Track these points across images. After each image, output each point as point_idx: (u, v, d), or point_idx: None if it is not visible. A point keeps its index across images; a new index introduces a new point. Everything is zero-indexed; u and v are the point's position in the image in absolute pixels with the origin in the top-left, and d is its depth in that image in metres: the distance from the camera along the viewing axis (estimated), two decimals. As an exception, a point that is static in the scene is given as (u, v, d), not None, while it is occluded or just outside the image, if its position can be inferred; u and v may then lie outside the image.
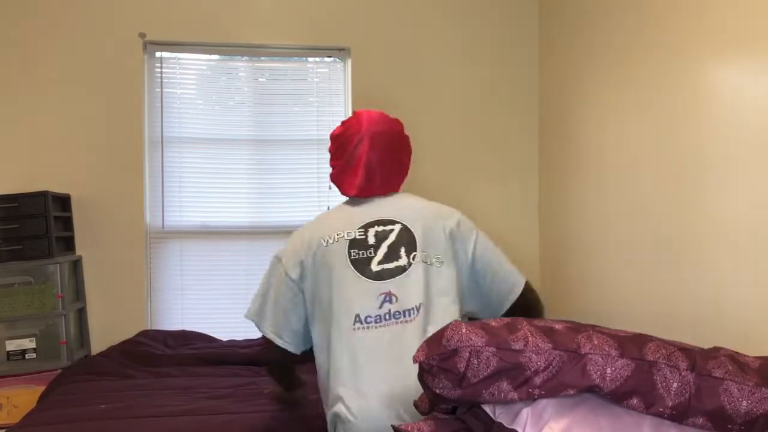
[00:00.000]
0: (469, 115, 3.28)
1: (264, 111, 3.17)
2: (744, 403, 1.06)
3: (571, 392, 1.10)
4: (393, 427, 1.21)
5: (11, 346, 2.61)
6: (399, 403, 1.40)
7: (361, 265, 1.53)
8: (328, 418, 1.51)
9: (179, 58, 3.11)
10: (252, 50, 3.15)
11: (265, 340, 1.64)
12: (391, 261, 1.53)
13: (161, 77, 3.08)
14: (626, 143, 2.43)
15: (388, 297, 1.49)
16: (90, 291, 2.98)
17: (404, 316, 1.48)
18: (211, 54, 3.13)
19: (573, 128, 2.90)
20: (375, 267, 1.52)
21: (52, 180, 2.93)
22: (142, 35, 3.01)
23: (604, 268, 2.62)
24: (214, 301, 3.11)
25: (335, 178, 1.71)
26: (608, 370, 1.09)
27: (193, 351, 2.67)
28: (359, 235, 1.56)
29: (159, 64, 3.08)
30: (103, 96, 2.99)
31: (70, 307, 2.75)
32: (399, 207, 1.63)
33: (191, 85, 3.13)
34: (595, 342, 1.13)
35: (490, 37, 3.29)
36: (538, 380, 1.10)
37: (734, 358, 1.16)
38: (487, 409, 1.18)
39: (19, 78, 2.93)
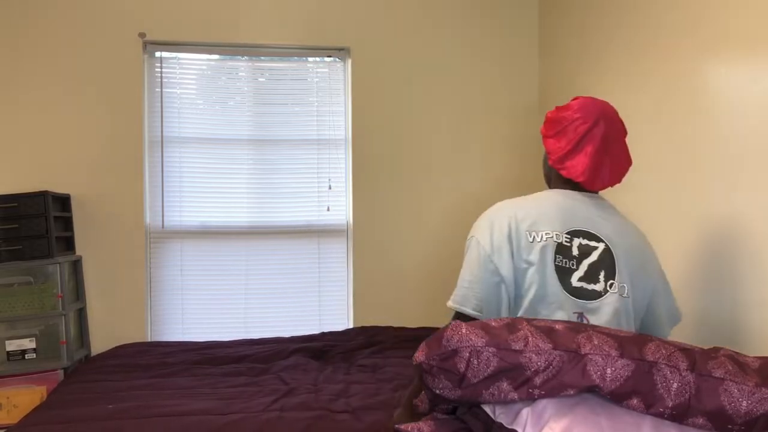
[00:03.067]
0: (469, 115, 3.28)
1: (264, 111, 3.17)
2: (744, 403, 1.06)
3: (571, 392, 1.10)
4: (393, 427, 1.21)
5: (11, 346, 2.61)
6: None
7: (563, 275, 1.42)
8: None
9: (179, 58, 3.11)
10: (252, 50, 3.15)
11: (455, 318, 1.47)
12: (590, 282, 1.42)
13: (161, 77, 3.08)
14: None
15: (581, 318, 1.40)
16: (90, 291, 2.98)
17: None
18: (211, 54, 3.13)
19: (573, 128, 2.90)
20: (575, 282, 1.42)
21: (52, 180, 2.93)
22: (142, 35, 3.01)
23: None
24: (214, 301, 3.11)
25: (557, 162, 1.54)
26: (608, 371, 1.09)
27: (200, 353, 2.67)
28: (566, 241, 1.44)
29: (159, 64, 3.08)
30: (103, 96, 2.99)
31: (70, 307, 2.75)
32: (605, 219, 1.50)
33: (191, 85, 3.13)
34: (595, 342, 1.13)
35: (490, 37, 3.29)
36: (538, 380, 1.10)
37: (734, 358, 1.16)
38: (487, 409, 1.18)
39: (19, 78, 2.93)
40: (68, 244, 2.92)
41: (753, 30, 1.75)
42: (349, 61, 3.19)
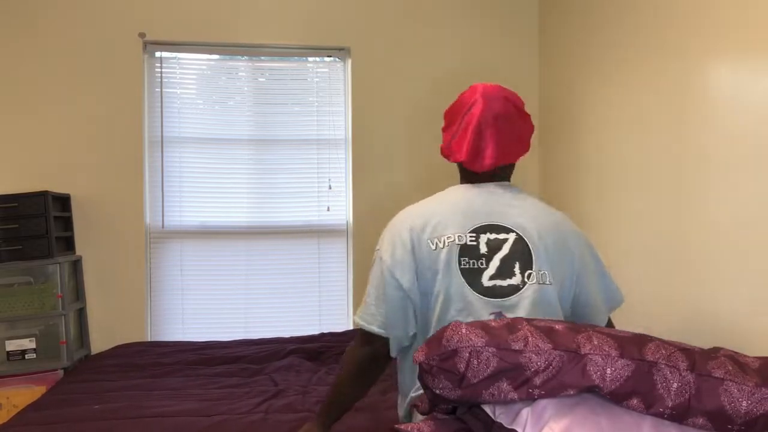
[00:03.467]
0: (469, 115, 3.27)
1: (264, 111, 3.17)
2: (744, 403, 1.06)
3: (571, 392, 1.10)
4: (393, 427, 1.21)
5: (11, 346, 2.61)
6: None
7: (472, 277, 1.35)
8: (406, 408, 1.44)
9: (179, 58, 3.11)
10: (252, 50, 3.15)
11: (361, 336, 1.45)
12: (504, 278, 1.35)
13: (161, 77, 3.09)
14: (626, 144, 2.43)
15: (498, 316, 1.32)
16: (90, 291, 2.98)
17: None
18: (211, 54, 3.13)
19: (573, 129, 2.90)
20: (486, 282, 1.35)
21: (52, 180, 2.93)
22: (142, 35, 3.01)
23: (604, 268, 2.61)
24: (214, 301, 3.11)
25: (446, 149, 1.52)
26: (608, 371, 1.09)
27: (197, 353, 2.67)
28: (470, 240, 1.37)
29: (159, 64, 3.08)
30: (103, 96, 2.99)
31: (70, 307, 2.75)
32: (515, 206, 1.43)
33: (191, 85, 3.13)
34: (595, 342, 1.13)
35: (490, 37, 3.29)
36: (538, 380, 1.10)
37: (734, 358, 1.16)
38: (487, 409, 1.18)
39: (19, 78, 2.93)
40: (68, 244, 2.92)
41: (754, 30, 1.75)
42: (349, 61, 3.19)
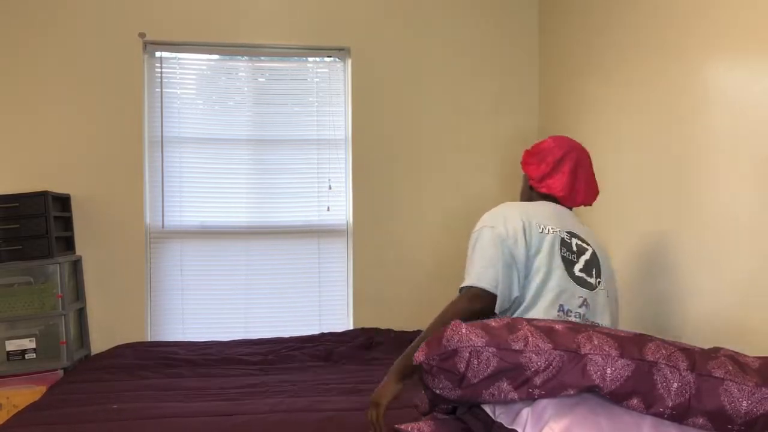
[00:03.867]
0: (470, 115, 3.28)
1: (264, 111, 3.17)
2: (744, 403, 1.06)
3: (571, 392, 1.10)
4: (393, 427, 1.21)
5: (11, 346, 2.61)
6: None
7: (567, 265, 1.58)
8: None
9: (179, 58, 3.11)
10: (252, 50, 3.15)
11: (468, 295, 1.55)
12: (589, 275, 1.60)
13: (161, 77, 3.08)
14: (626, 143, 2.43)
15: (585, 303, 1.56)
16: (90, 291, 2.98)
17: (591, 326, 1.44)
18: (211, 54, 3.13)
19: (572, 128, 2.90)
20: (577, 272, 1.58)
21: (52, 180, 2.93)
22: (142, 35, 3.01)
23: (604, 268, 2.61)
24: (214, 301, 3.11)
25: (537, 181, 1.76)
26: (608, 371, 1.09)
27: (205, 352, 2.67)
28: (566, 237, 1.61)
29: (159, 64, 3.08)
30: (103, 96, 2.99)
31: (70, 307, 2.75)
32: (585, 231, 1.70)
33: (191, 85, 3.13)
34: (595, 342, 1.13)
35: (490, 37, 3.29)
36: (538, 380, 1.10)
37: (734, 358, 1.16)
38: (487, 409, 1.18)
39: (19, 78, 2.93)
40: (68, 244, 2.92)
41: (753, 30, 1.75)
42: (349, 61, 3.19)
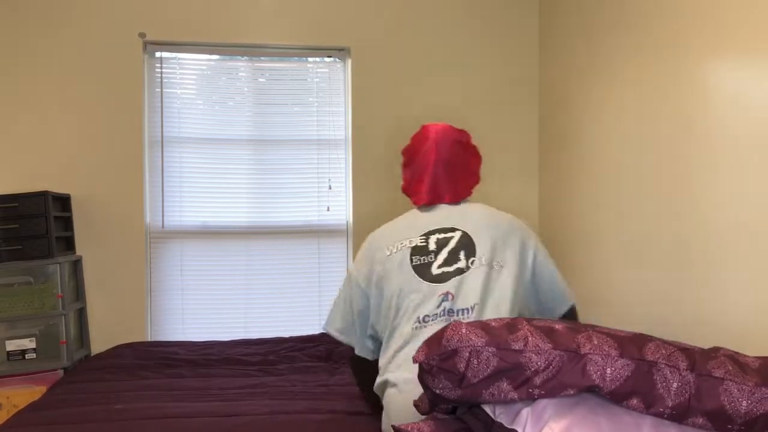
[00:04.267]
0: (469, 116, 3.28)
1: (264, 111, 3.17)
2: (744, 403, 1.06)
3: (571, 392, 1.10)
4: (393, 426, 1.21)
5: (11, 346, 2.61)
6: None
7: (422, 270, 1.62)
8: (378, 388, 1.65)
9: (179, 58, 3.12)
10: (252, 50, 3.15)
11: (350, 350, 1.80)
12: (451, 264, 1.61)
13: (161, 77, 3.09)
14: (626, 143, 2.43)
15: (446, 296, 1.58)
16: (90, 291, 2.98)
17: (457, 314, 1.55)
18: (211, 54, 3.13)
19: (573, 128, 2.91)
20: (435, 270, 1.61)
21: (52, 180, 2.94)
22: (142, 35, 3.02)
23: (604, 268, 2.62)
24: (214, 301, 3.11)
25: (406, 189, 1.84)
26: (608, 370, 1.09)
27: (205, 352, 2.66)
28: (420, 242, 1.66)
29: (159, 64, 3.09)
30: (103, 96, 2.99)
31: (70, 307, 2.75)
32: (463, 215, 1.71)
33: (191, 85, 3.13)
34: (595, 342, 1.13)
35: (490, 37, 3.29)
36: (538, 380, 1.10)
37: (734, 358, 1.16)
38: (487, 409, 1.18)
39: (19, 78, 2.93)
40: (68, 244, 2.92)
41: (756, 30, 1.75)
42: (349, 61, 3.19)
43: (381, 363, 1.64)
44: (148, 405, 1.95)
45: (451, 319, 1.54)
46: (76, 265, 2.93)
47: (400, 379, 1.52)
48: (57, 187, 2.93)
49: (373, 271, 1.68)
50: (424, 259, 1.63)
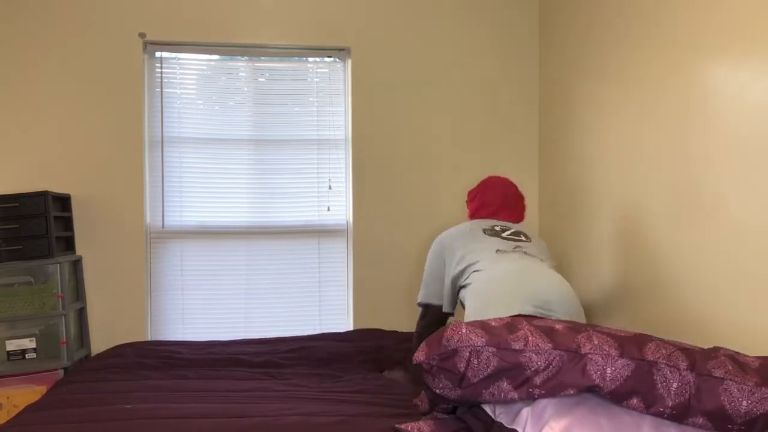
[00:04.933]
0: (469, 115, 3.28)
1: (264, 111, 3.17)
2: (744, 402, 1.06)
3: (571, 392, 1.10)
4: (393, 426, 1.21)
5: (11, 346, 2.61)
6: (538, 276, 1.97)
7: (492, 233, 2.20)
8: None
9: (179, 58, 3.12)
10: (252, 50, 3.15)
11: (423, 310, 2.30)
12: (516, 238, 2.20)
13: (161, 77, 3.09)
14: (626, 142, 2.43)
15: (518, 247, 2.14)
16: (90, 291, 2.98)
17: (530, 255, 2.10)
18: (211, 54, 3.13)
19: (573, 128, 2.90)
20: (505, 236, 2.20)
21: (52, 180, 2.94)
22: (142, 35, 3.02)
23: (604, 267, 2.62)
24: (214, 301, 3.11)
25: (474, 212, 2.43)
26: (608, 370, 1.09)
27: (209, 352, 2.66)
28: (487, 227, 2.25)
29: (159, 64, 3.09)
30: (103, 96, 2.99)
31: (70, 307, 2.75)
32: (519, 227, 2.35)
33: (191, 85, 3.13)
34: (595, 342, 1.13)
35: (490, 37, 3.29)
36: (538, 380, 1.10)
37: (734, 358, 1.16)
38: (487, 408, 1.18)
39: (19, 78, 2.93)
40: (68, 244, 2.92)
41: (755, 29, 1.75)
42: (349, 61, 3.19)
43: (475, 305, 2.00)
44: (154, 405, 1.94)
45: (527, 256, 2.08)
46: (76, 265, 2.93)
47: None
48: (57, 187, 2.93)
49: (449, 249, 2.22)
50: (493, 230, 2.22)
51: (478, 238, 2.17)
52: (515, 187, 2.46)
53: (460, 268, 2.13)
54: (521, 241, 2.19)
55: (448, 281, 2.18)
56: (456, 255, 2.17)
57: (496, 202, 2.38)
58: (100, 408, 1.91)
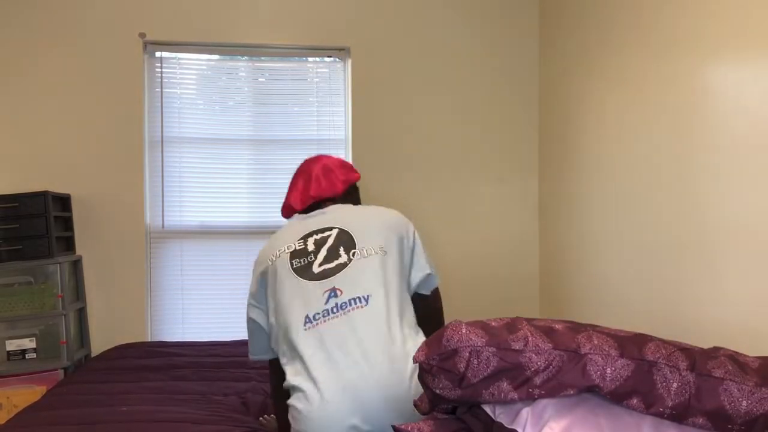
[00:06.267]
0: (469, 115, 3.28)
1: (264, 111, 3.17)
2: (744, 403, 1.06)
3: (571, 392, 1.10)
4: (393, 426, 1.21)
5: (11, 346, 2.61)
6: (357, 390, 1.43)
7: (303, 271, 1.61)
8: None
9: (179, 58, 3.12)
10: (252, 50, 3.15)
11: (270, 366, 1.74)
12: (332, 261, 1.62)
13: (161, 77, 3.09)
14: (626, 143, 2.43)
15: (333, 292, 1.57)
16: (90, 291, 2.98)
17: (350, 305, 1.54)
18: (211, 54, 3.13)
19: (573, 128, 2.90)
20: (316, 269, 1.61)
21: (52, 180, 2.94)
22: (142, 35, 3.02)
23: (604, 268, 2.62)
24: (214, 301, 3.11)
25: (285, 210, 1.92)
26: (608, 370, 1.09)
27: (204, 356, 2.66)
28: (299, 246, 1.66)
29: (159, 64, 3.09)
30: (103, 96, 2.99)
31: (70, 307, 2.75)
32: (336, 216, 1.74)
33: (191, 85, 3.13)
34: (595, 342, 1.13)
35: (490, 37, 3.29)
36: (538, 380, 1.10)
37: (734, 358, 1.16)
38: (487, 409, 1.18)
39: (19, 78, 2.93)
40: (68, 244, 2.92)
41: (755, 29, 1.75)
42: (349, 61, 3.19)
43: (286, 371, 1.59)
44: (153, 408, 1.93)
45: (346, 312, 1.53)
46: (76, 265, 2.93)
47: (302, 385, 1.47)
48: (57, 187, 2.93)
49: (260, 284, 1.67)
50: (303, 261, 1.63)
51: (283, 282, 1.61)
52: (334, 157, 1.96)
53: (275, 331, 1.63)
54: (342, 266, 1.60)
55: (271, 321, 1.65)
56: (268, 303, 1.66)
57: (305, 179, 1.88)
58: (100, 409, 1.91)
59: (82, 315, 2.93)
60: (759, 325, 1.73)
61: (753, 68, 1.75)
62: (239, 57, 3.16)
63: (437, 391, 1.15)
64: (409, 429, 1.19)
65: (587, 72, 2.76)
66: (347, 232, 1.67)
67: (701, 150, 1.98)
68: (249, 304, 1.71)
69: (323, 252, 1.63)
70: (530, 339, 1.13)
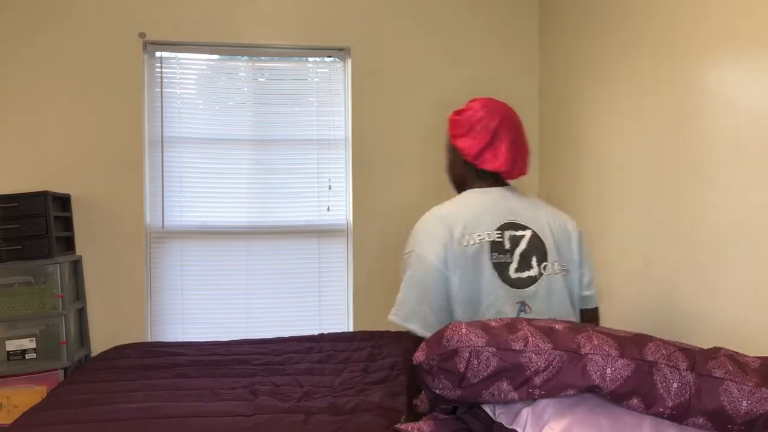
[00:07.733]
0: (469, 115, 3.27)
1: (264, 111, 3.17)
2: (744, 403, 1.06)
3: (571, 392, 1.10)
4: (393, 427, 1.21)
5: (11, 346, 2.61)
6: None
7: (501, 269, 1.47)
8: None
9: (179, 58, 3.11)
10: (252, 50, 3.15)
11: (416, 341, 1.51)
12: (524, 270, 1.48)
13: (161, 77, 3.08)
14: (626, 143, 2.43)
15: (524, 307, 1.46)
16: (90, 291, 2.98)
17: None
18: (211, 54, 3.13)
19: (573, 127, 2.90)
20: (513, 274, 1.47)
21: (52, 180, 2.93)
22: (142, 35, 3.01)
23: (604, 267, 2.62)
24: (214, 301, 3.11)
25: (474, 157, 1.60)
26: (608, 370, 1.09)
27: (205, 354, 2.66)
28: (497, 237, 1.49)
29: (159, 64, 3.08)
30: (103, 96, 2.99)
31: (70, 307, 2.75)
32: (529, 214, 1.56)
33: (191, 85, 3.13)
34: (595, 342, 1.13)
35: (490, 37, 3.29)
36: (538, 380, 1.10)
37: (734, 358, 1.16)
38: (487, 409, 1.18)
39: (19, 78, 2.93)
40: (68, 244, 2.92)
41: (752, 31, 1.75)
42: (349, 61, 3.19)
43: None
44: (158, 404, 1.94)
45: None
46: (76, 265, 2.93)
47: None
48: (57, 187, 2.93)
49: (450, 253, 1.46)
50: (502, 258, 1.47)
51: (483, 271, 1.46)
52: (520, 122, 1.69)
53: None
54: (532, 280, 1.48)
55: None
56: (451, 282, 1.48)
57: (512, 138, 1.61)
58: (107, 407, 1.91)
59: (82, 315, 2.93)
60: (759, 325, 1.73)
61: (751, 68, 1.75)
62: (239, 57, 3.16)
63: (437, 392, 1.15)
64: (409, 429, 1.19)
65: (587, 72, 2.76)
66: (540, 239, 1.51)
67: (700, 149, 1.98)
68: (426, 266, 1.47)
69: (517, 256, 1.49)
70: (530, 339, 1.13)
